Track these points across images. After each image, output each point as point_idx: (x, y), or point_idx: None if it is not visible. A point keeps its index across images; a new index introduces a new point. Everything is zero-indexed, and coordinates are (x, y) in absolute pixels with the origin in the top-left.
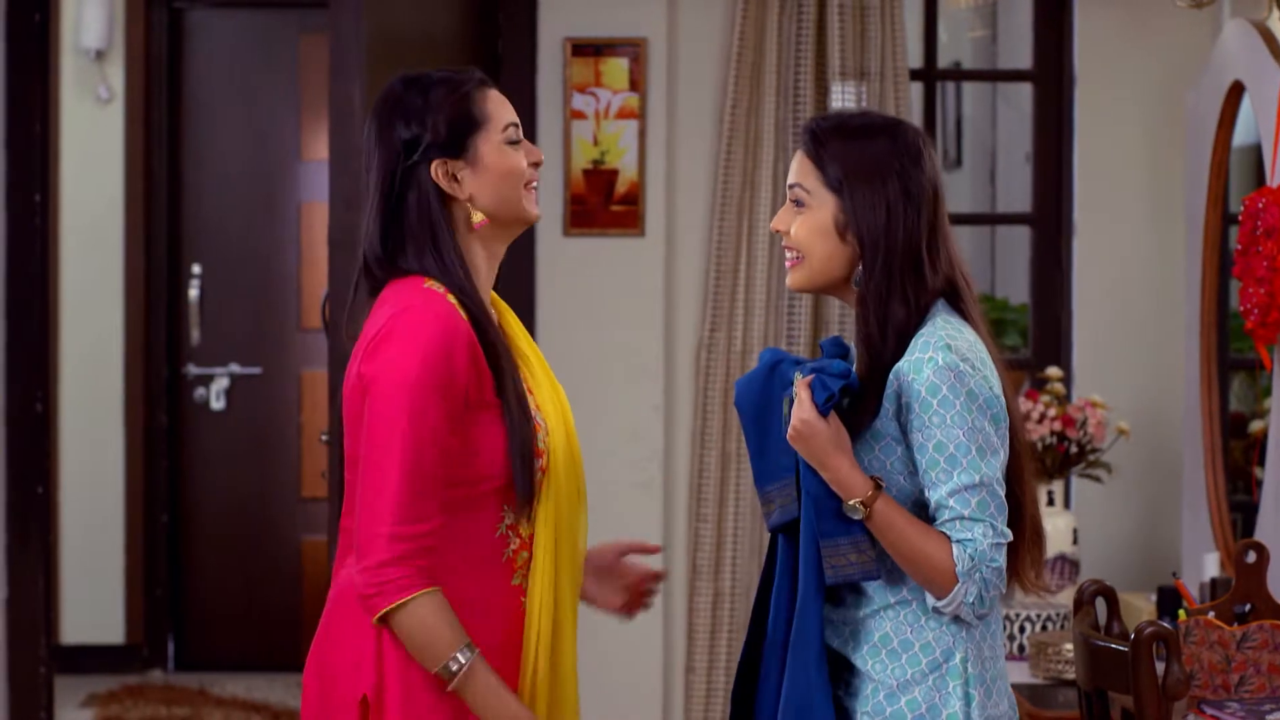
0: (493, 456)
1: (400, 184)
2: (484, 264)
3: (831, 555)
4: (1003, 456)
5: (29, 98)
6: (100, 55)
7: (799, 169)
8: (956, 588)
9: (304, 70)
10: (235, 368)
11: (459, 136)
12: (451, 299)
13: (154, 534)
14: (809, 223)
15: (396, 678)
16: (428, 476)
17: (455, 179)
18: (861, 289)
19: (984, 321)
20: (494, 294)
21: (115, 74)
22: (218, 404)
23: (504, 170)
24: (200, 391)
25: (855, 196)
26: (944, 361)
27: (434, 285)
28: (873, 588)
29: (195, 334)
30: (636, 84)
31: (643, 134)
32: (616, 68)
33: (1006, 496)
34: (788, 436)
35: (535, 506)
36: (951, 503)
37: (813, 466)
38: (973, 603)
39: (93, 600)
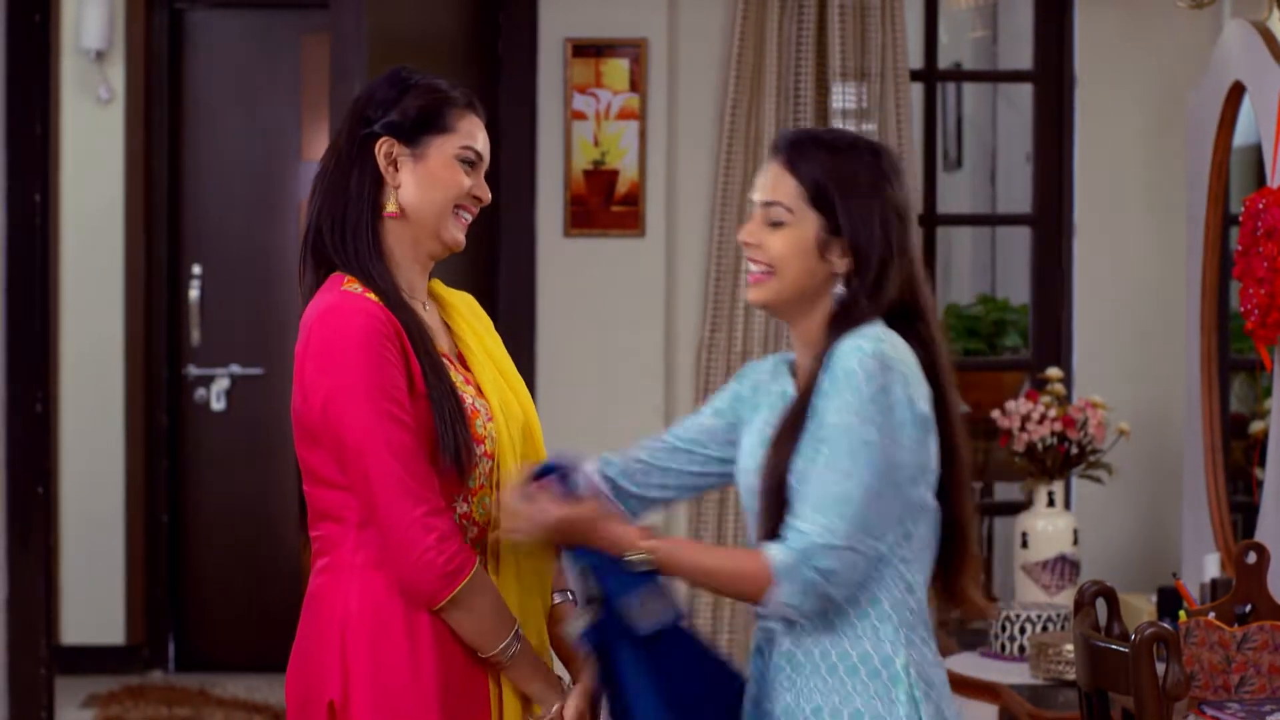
0: (430, 445)
1: (351, 155)
2: (405, 262)
3: (634, 608)
4: (898, 465)
5: (29, 98)
6: (101, 55)
7: (777, 185)
8: (772, 588)
9: (305, 70)
10: (236, 368)
11: (418, 129)
12: (371, 296)
13: (154, 534)
14: (789, 239)
15: (362, 682)
16: (417, 457)
17: (394, 164)
18: (839, 306)
19: (945, 341)
20: (437, 284)
21: (116, 74)
22: (218, 404)
23: (442, 178)
24: (201, 392)
25: (851, 213)
26: (871, 351)
27: (351, 286)
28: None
29: (196, 334)
30: (637, 85)
31: (643, 135)
32: (617, 68)
33: (945, 516)
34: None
35: (482, 493)
36: (813, 480)
37: (592, 549)
38: (796, 604)
39: (93, 601)
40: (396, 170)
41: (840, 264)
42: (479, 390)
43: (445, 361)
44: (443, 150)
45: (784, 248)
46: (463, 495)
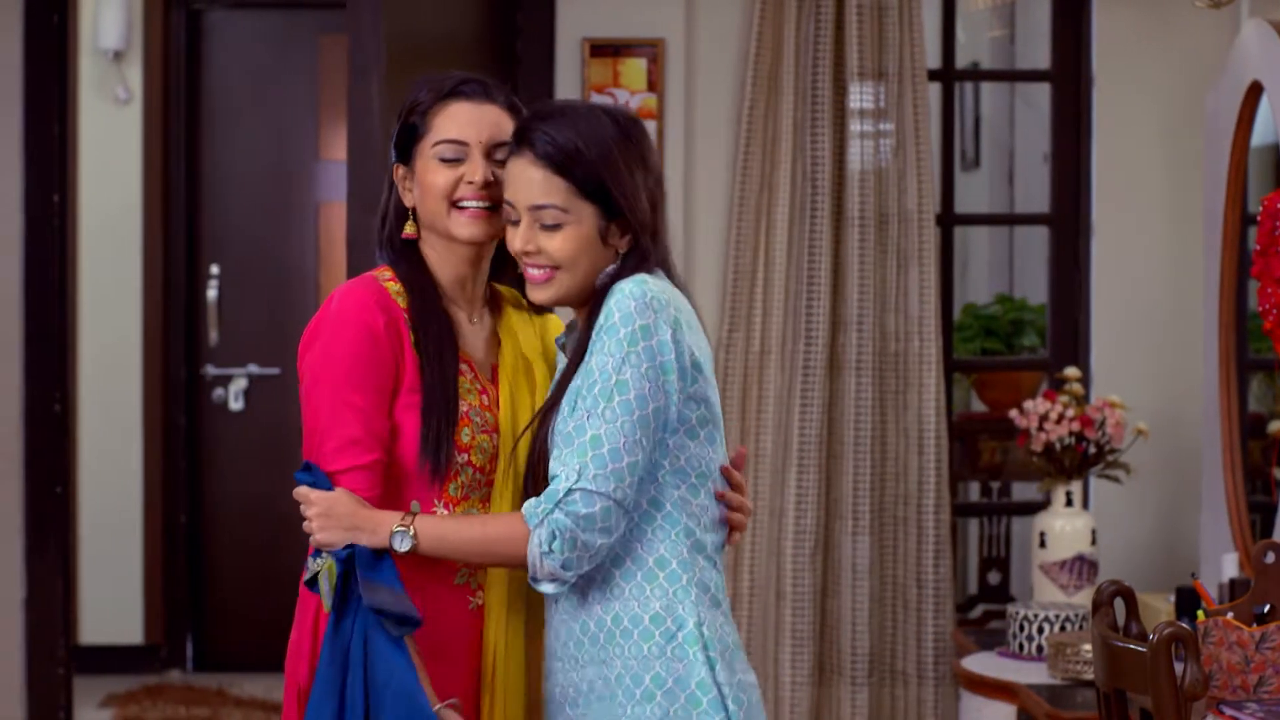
0: (410, 442)
1: (388, 183)
2: (443, 268)
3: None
4: (661, 409)
5: (47, 98)
6: (119, 56)
7: (545, 188)
8: (529, 542)
9: (322, 71)
10: (254, 368)
11: (406, 144)
12: (392, 286)
13: (172, 534)
14: (572, 238)
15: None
16: (343, 452)
17: (407, 186)
18: (610, 277)
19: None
20: (510, 295)
21: (134, 75)
22: (236, 404)
23: (425, 183)
24: (219, 392)
25: (625, 195)
26: (632, 292)
27: (380, 273)
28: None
29: (213, 334)
30: (654, 84)
31: (661, 134)
32: (634, 68)
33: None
34: (317, 539)
35: (467, 504)
36: (569, 429)
37: (353, 541)
38: (553, 553)
39: (111, 600)
40: (409, 191)
41: (622, 243)
42: (493, 404)
43: (466, 366)
44: (423, 154)
45: (568, 247)
46: (443, 502)
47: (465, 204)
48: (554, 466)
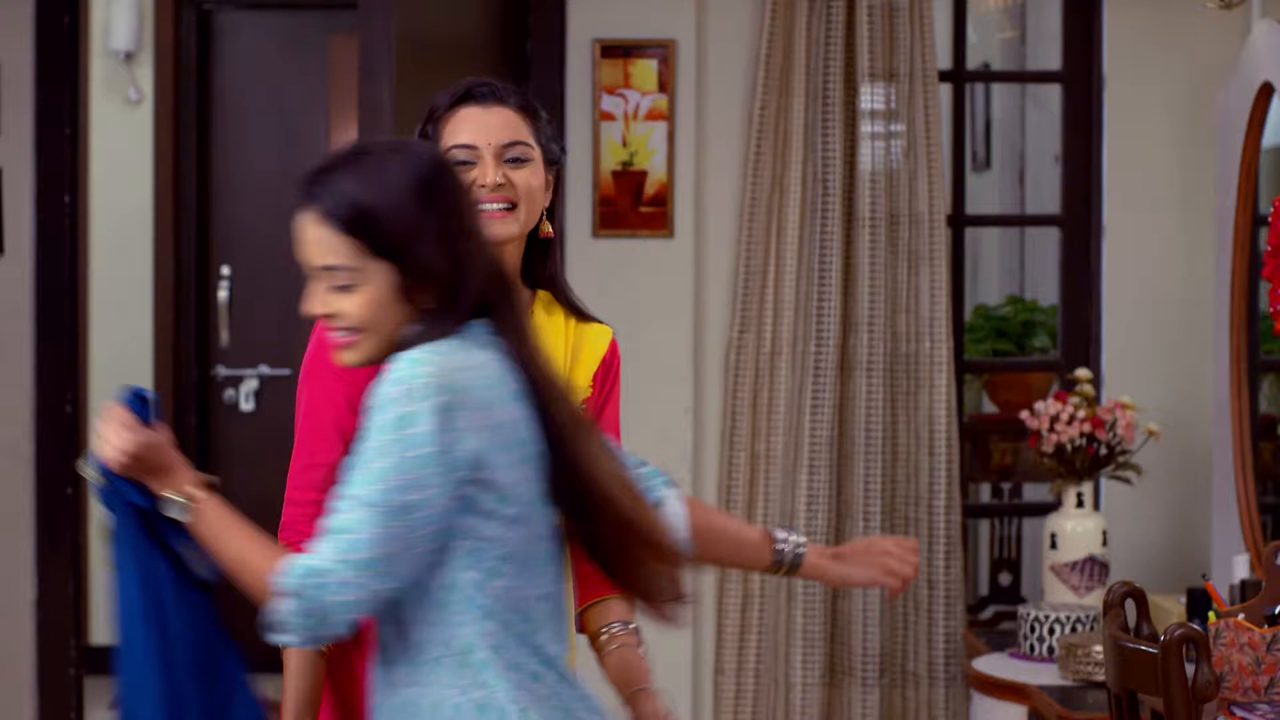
0: None
1: None
2: None
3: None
4: (413, 500)
5: (59, 99)
6: (130, 57)
7: (333, 248)
8: (273, 599)
9: (333, 71)
10: (264, 369)
11: None
12: None
13: None
14: (367, 300)
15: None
16: (311, 449)
17: None
18: (411, 337)
19: (536, 333)
20: (545, 301)
21: (145, 75)
22: (247, 405)
23: None
24: (229, 393)
25: (414, 246)
26: (402, 376)
27: None
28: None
29: (224, 335)
30: (665, 85)
31: (671, 135)
32: (645, 69)
33: (587, 534)
34: (119, 468)
35: None
36: (336, 507)
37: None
38: (290, 624)
39: None
40: None
41: (428, 298)
42: None
43: None
44: None
45: (364, 310)
46: None
47: (480, 206)
48: (318, 538)
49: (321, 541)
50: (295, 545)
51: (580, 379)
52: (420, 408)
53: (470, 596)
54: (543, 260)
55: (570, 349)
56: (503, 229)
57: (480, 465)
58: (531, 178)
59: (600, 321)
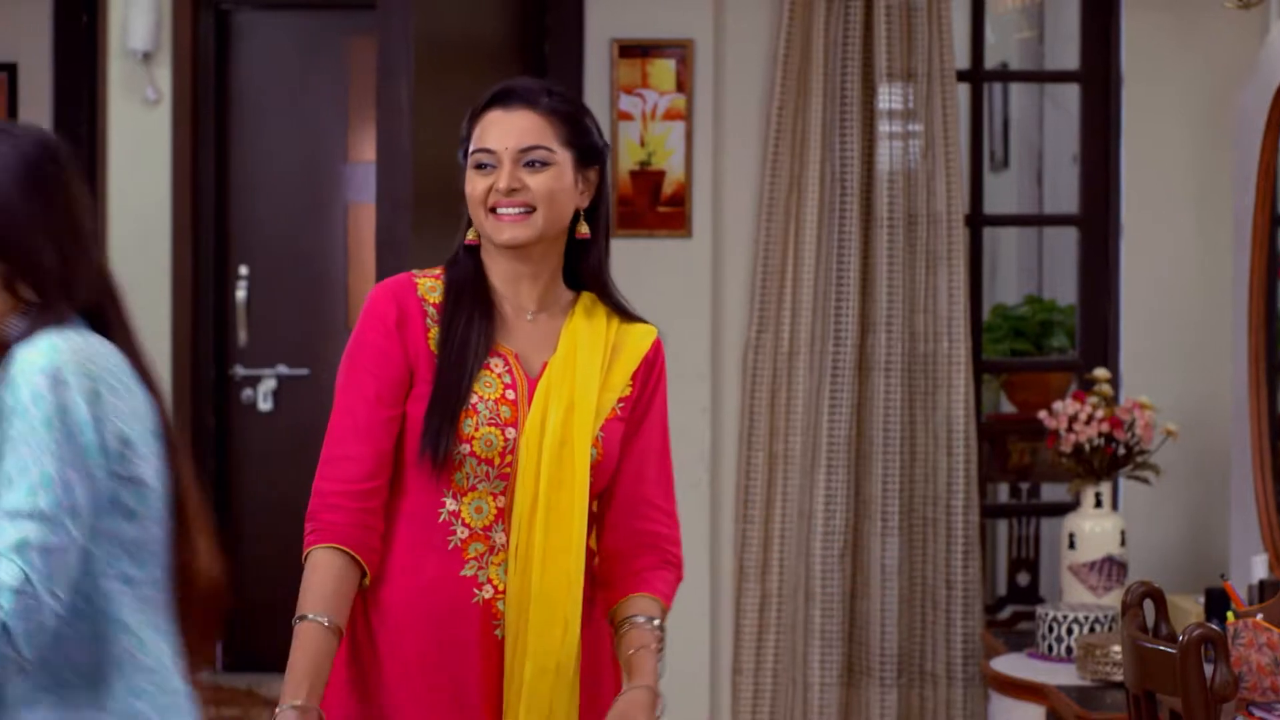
0: (414, 434)
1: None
2: (495, 267)
3: None
4: (91, 498)
5: (77, 99)
6: (148, 57)
7: None
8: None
9: (351, 71)
10: (283, 369)
11: (464, 155)
12: (422, 280)
13: None
14: None
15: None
16: (345, 428)
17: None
18: (18, 334)
19: (139, 341)
20: (588, 300)
21: (163, 75)
22: (265, 405)
23: (466, 193)
24: (248, 393)
25: (14, 248)
26: (42, 366)
27: (427, 270)
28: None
29: (243, 335)
30: (683, 85)
31: (689, 135)
32: (663, 69)
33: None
34: None
35: (474, 495)
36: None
37: None
38: (21, 654)
39: None
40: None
41: (31, 292)
42: (523, 399)
43: (501, 359)
44: (467, 165)
45: None
46: (451, 492)
47: (499, 210)
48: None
49: (15, 561)
50: (315, 536)
51: (618, 378)
52: (71, 395)
53: (122, 615)
54: (582, 261)
55: (610, 348)
56: (516, 233)
57: (128, 456)
58: (551, 181)
59: (645, 321)
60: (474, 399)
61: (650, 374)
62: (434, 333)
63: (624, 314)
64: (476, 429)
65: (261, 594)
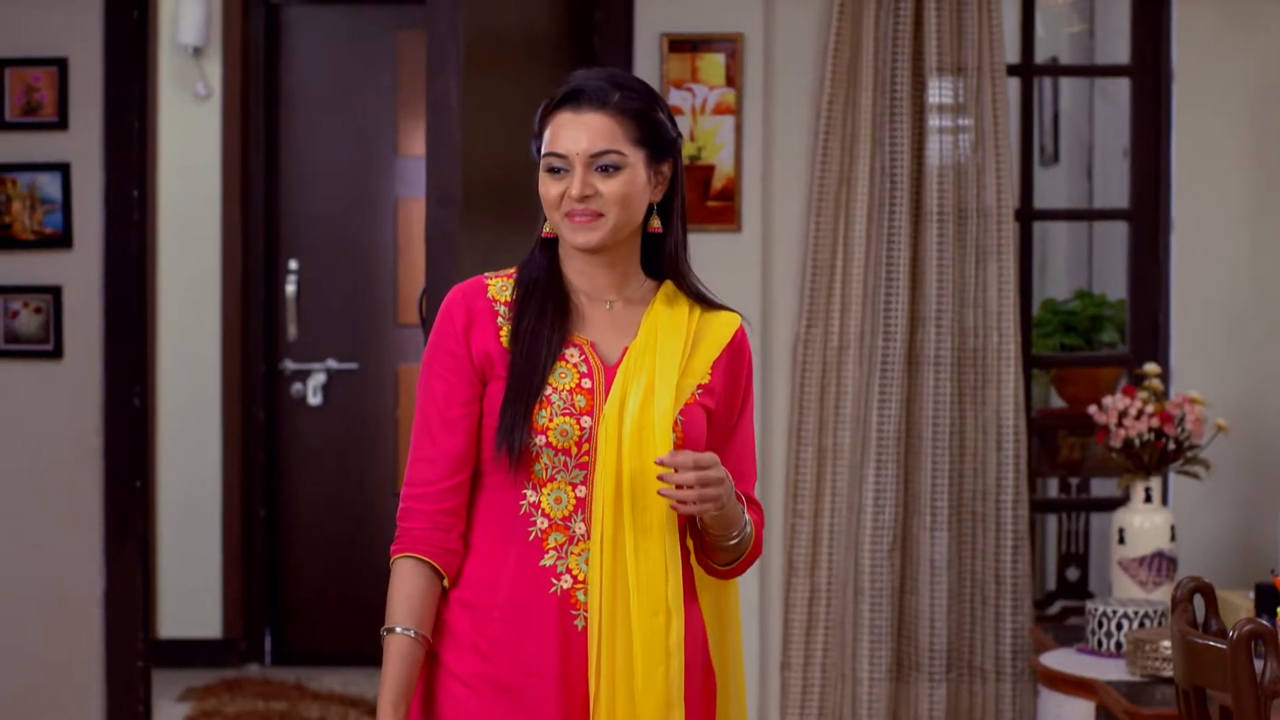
0: (491, 427)
1: None
2: (571, 261)
3: None
4: None
5: (128, 94)
6: (198, 52)
7: None
8: None
9: (401, 66)
10: (332, 363)
11: (536, 152)
12: (493, 281)
13: (251, 528)
14: None
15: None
16: (426, 430)
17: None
18: None
19: None
20: (668, 290)
21: (213, 70)
22: (315, 399)
23: (540, 194)
24: (297, 387)
25: None
26: None
27: (501, 271)
28: None
29: (292, 329)
30: (733, 79)
31: (739, 129)
32: (713, 63)
33: None
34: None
35: (553, 486)
36: None
37: None
38: None
39: (190, 594)
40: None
41: None
42: (600, 388)
43: (577, 349)
44: (541, 166)
45: None
46: (531, 484)
47: (577, 216)
48: None
49: None
50: (397, 545)
51: (698, 366)
52: None
53: None
54: (660, 251)
55: (691, 335)
56: (586, 237)
57: None
58: (623, 186)
59: (729, 309)
60: (548, 390)
61: (735, 362)
62: (506, 330)
63: (705, 302)
64: (551, 419)
65: (310, 589)
